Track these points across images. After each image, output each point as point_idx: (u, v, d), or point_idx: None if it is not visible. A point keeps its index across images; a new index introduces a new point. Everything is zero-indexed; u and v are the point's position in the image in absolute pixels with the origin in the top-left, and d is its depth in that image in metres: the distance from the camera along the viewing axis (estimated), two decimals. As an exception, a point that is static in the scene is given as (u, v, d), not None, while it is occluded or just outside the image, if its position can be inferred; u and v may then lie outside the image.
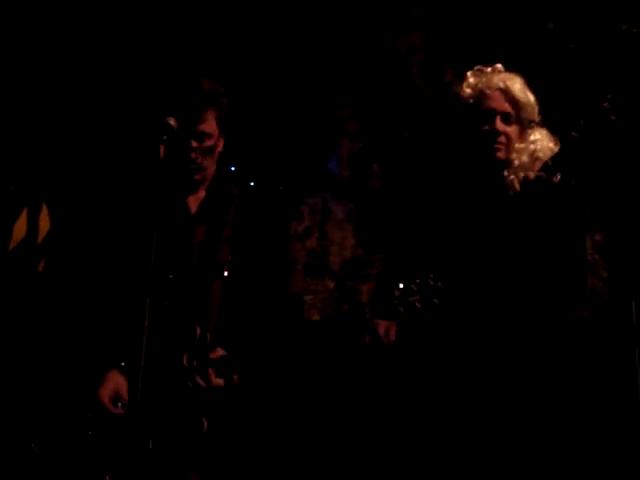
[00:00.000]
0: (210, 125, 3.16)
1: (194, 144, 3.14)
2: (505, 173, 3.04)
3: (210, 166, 3.21)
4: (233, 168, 3.43)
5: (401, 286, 2.85)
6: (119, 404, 3.00)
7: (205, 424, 2.96)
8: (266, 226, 3.24)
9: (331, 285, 4.57)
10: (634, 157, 4.03)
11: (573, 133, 2.73)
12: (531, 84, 3.20)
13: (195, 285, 3.12)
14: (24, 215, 4.00)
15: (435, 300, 2.83)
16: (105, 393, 3.02)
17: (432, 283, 2.84)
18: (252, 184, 3.52)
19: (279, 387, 3.92)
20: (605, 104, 2.69)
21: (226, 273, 3.11)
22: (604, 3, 4.26)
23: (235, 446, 3.19)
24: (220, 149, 3.24)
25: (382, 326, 3.07)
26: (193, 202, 3.26)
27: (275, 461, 3.99)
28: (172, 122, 2.96)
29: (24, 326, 3.94)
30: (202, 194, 3.26)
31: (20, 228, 3.97)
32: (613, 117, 2.68)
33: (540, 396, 2.92)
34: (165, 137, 2.93)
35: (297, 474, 4.05)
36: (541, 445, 2.90)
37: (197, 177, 3.18)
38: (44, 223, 4.06)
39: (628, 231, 4.03)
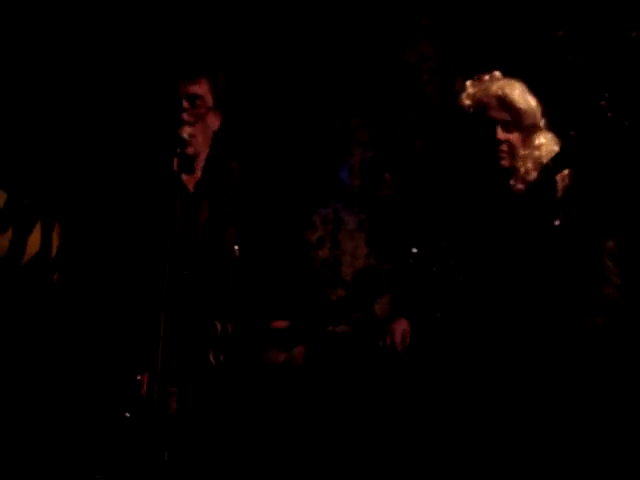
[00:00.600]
0: (202, 88, 3.16)
1: (185, 104, 3.12)
2: (511, 182, 3.04)
3: (202, 140, 3.17)
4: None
5: (415, 250, 2.86)
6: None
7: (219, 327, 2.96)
8: (271, 202, 3.23)
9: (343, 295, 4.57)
10: (635, 161, 4.04)
11: (571, 132, 2.72)
12: (540, 91, 3.19)
13: (208, 271, 3.09)
14: (38, 228, 4.01)
15: (451, 261, 2.85)
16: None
17: (445, 247, 2.86)
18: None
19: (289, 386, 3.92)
20: (602, 102, 2.68)
21: (229, 258, 3.06)
22: (614, 11, 4.26)
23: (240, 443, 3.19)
24: (214, 128, 3.21)
25: (398, 332, 3.07)
26: (190, 182, 3.21)
27: (278, 460, 3.99)
28: (185, 135, 2.98)
29: (38, 338, 3.95)
30: (198, 174, 3.22)
31: (34, 242, 3.97)
32: (610, 114, 2.67)
33: (552, 402, 2.91)
34: (179, 150, 2.95)
35: (299, 474, 4.06)
36: (552, 449, 2.90)
37: (189, 151, 3.09)
38: (58, 236, 4.07)
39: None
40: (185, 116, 3.11)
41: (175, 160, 2.95)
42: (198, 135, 3.14)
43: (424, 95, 4.64)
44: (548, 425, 2.88)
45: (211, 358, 2.97)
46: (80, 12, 4.39)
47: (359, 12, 4.64)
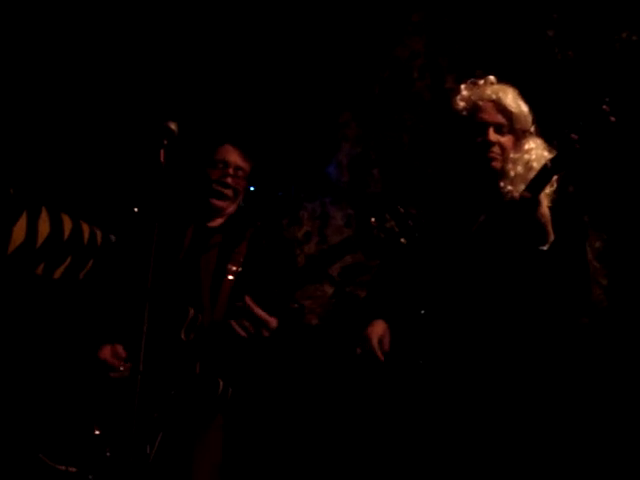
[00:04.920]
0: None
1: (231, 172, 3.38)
2: (501, 184, 3.04)
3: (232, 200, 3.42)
4: (252, 188, 3.54)
5: (373, 219, 2.88)
6: (121, 366, 3.12)
7: (221, 385, 3.10)
8: (279, 250, 3.43)
9: (330, 290, 4.57)
10: (633, 162, 4.05)
11: (572, 135, 2.72)
12: (529, 91, 3.20)
13: (202, 281, 3.26)
14: (23, 218, 4.00)
15: (409, 222, 2.87)
16: (105, 352, 3.14)
17: (403, 210, 2.87)
18: (252, 189, 3.57)
19: (277, 389, 3.92)
20: (604, 107, 2.69)
21: (232, 276, 3.26)
22: (604, 11, 4.27)
23: (235, 443, 3.23)
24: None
25: (375, 337, 3.06)
26: (210, 225, 3.42)
27: (272, 461, 3.99)
28: (173, 126, 2.98)
29: (23, 328, 3.94)
30: (218, 222, 3.43)
31: (19, 231, 3.96)
32: (612, 119, 2.68)
33: (539, 404, 2.91)
34: (166, 141, 2.96)
35: (293, 474, 4.06)
36: (539, 450, 2.89)
37: (219, 204, 3.38)
38: (43, 227, 4.06)
39: (628, 238, 4.04)
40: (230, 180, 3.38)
41: (161, 152, 2.94)
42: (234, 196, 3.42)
43: (414, 92, 4.63)
44: (534, 426, 2.87)
45: (182, 335, 3.13)
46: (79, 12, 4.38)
47: (350, 8, 4.64)
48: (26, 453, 3.14)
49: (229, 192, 3.38)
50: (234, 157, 3.41)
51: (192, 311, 3.17)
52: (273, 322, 3.09)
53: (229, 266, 3.28)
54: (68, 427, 3.08)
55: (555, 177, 2.89)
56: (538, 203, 2.77)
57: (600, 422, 3.71)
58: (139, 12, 4.48)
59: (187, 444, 3.11)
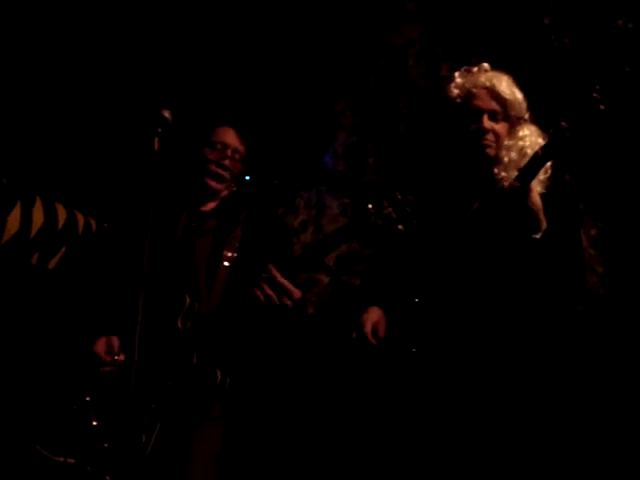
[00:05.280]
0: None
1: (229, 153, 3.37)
2: (495, 170, 3.04)
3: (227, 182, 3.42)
4: (248, 177, 3.55)
5: (370, 206, 2.88)
6: (115, 357, 3.12)
7: (219, 375, 3.08)
8: (274, 233, 3.40)
9: (326, 279, 4.56)
10: (626, 151, 4.05)
11: (562, 122, 2.72)
12: (525, 79, 3.20)
13: (197, 267, 3.26)
14: (17, 208, 3.99)
15: (407, 209, 2.86)
16: (99, 347, 3.13)
17: (400, 197, 2.87)
18: (247, 178, 3.56)
19: (275, 379, 3.92)
20: (594, 94, 2.68)
21: (227, 263, 3.25)
22: (600, -2, 4.26)
23: (234, 433, 3.23)
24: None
25: (368, 324, 3.06)
26: (203, 208, 3.41)
27: (271, 451, 4.00)
28: (167, 114, 2.97)
29: (18, 318, 3.94)
30: (212, 205, 3.42)
31: (13, 221, 3.95)
32: (602, 107, 2.67)
33: (533, 391, 2.91)
34: (160, 130, 2.95)
35: (292, 464, 4.06)
36: (537, 442, 2.89)
37: (216, 185, 3.38)
38: (37, 216, 4.05)
39: (623, 226, 4.04)
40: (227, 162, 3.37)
41: (155, 140, 2.94)
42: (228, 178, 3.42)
43: (409, 80, 4.62)
44: (529, 415, 2.87)
45: (179, 324, 3.12)
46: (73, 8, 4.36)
47: (345, -4, 4.63)
48: (24, 445, 3.14)
49: (226, 174, 3.38)
50: (232, 139, 3.40)
51: (188, 299, 3.16)
52: (297, 293, 3.03)
53: (224, 252, 3.27)
54: (65, 418, 3.08)
55: (549, 164, 2.89)
56: (528, 192, 2.77)
57: (596, 410, 3.71)
58: (133, 2, 4.46)
59: (185, 434, 3.10)
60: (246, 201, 3.50)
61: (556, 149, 2.75)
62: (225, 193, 3.43)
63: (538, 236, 2.82)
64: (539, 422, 2.89)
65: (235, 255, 3.27)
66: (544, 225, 2.83)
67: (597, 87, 2.69)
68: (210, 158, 3.36)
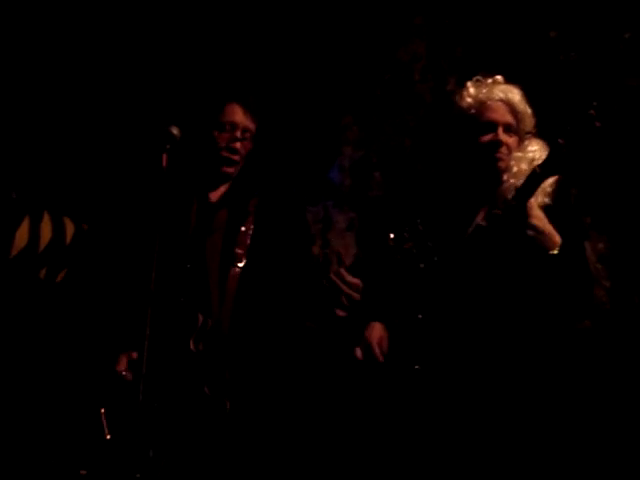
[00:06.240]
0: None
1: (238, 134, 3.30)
2: (504, 177, 3.04)
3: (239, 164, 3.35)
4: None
5: (392, 236, 2.86)
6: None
7: (228, 404, 3.07)
8: (288, 225, 3.37)
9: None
10: (632, 164, 4.04)
11: (559, 140, 2.73)
12: (532, 93, 3.20)
13: (209, 272, 3.21)
14: (26, 223, 4.00)
15: (429, 243, 2.85)
16: (121, 366, 3.09)
17: (422, 228, 2.85)
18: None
19: (280, 386, 3.92)
20: (591, 111, 2.69)
21: (240, 265, 3.19)
22: (607, 12, 4.26)
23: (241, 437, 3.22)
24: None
25: (374, 340, 3.05)
26: (213, 196, 3.35)
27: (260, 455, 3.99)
28: (175, 131, 2.98)
29: (26, 332, 3.94)
30: (222, 191, 3.36)
31: (22, 236, 3.97)
32: (598, 124, 2.67)
33: (540, 406, 2.91)
34: (168, 146, 2.96)
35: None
36: (538, 455, 2.89)
37: (228, 170, 3.31)
38: (46, 231, 4.06)
39: (630, 240, 4.04)
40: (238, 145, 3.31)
41: (164, 156, 2.94)
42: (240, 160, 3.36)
43: (415, 94, 4.62)
44: (535, 432, 2.87)
45: (191, 346, 3.07)
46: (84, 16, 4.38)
47: (352, 11, 4.63)
48: (37, 456, 3.15)
49: (237, 157, 3.32)
50: (241, 117, 3.32)
51: (201, 317, 3.12)
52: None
53: (236, 249, 3.21)
54: (79, 430, 3.07)
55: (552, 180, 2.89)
56: (528, 209, 2.77)
57: (602, 423, 3.70)
58: (138, 15, 4.48)
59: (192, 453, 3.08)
60: (257, 183, 3.45)
61: (554, 166, 2.76)
62: (236, 173, 3.37)
63: (555, 252, 2.82)
64: (545, 439, 2.89)
65: (245, 255, 3.22)
66: (558, 239, 2.83)
67: (594, 104, 2.70)
68: (220, 143, 3.29)
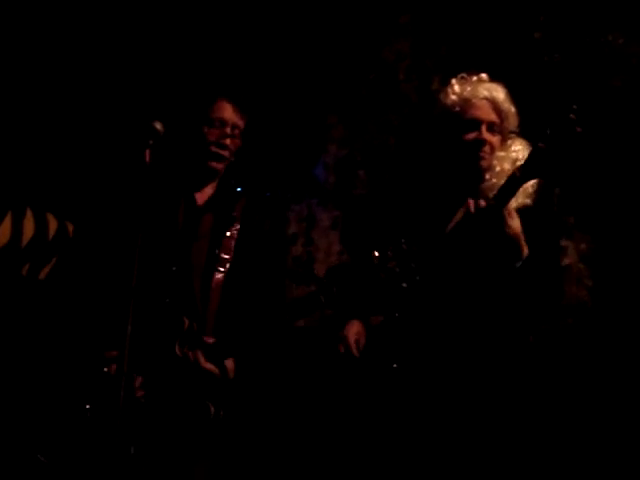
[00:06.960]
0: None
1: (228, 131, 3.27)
2: (487, 176, 3.03)
3: (227, 161, 3.33)
4: (239, 189, 3.50)
5: (377, 254, 2.86)
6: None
7: (212, 409, 3.02)
8: (270, 231, 3.36)
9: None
10: (615, 164, 4.06)
11: (539, 144, 2.73)
12: (515, 93, 3.20)
13: (194, 276, 3.18)
14: (8, 219, 3.99)
15: (412, 264, 2.85)
16: (106, 364, 3.04)
17: (406, 247, 2.85)
18: (239, 190, 3.54)
19: (269, 387, 3.92)
20: (571, 115, 2.68)
21: (225, 269, 3.18)
22: (591, 14, 4.28)
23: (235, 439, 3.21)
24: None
25: (352, 336, 3.06)
26: (200, 197, 3.32)
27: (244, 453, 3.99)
28: (158, 126, 2.96)
29: (8, 329, 3.93)
30: (209, 191, 3.33)
31: (4, 232, 3.95)
32: (579, 129, 2.67)
33: (516, 403, 2.91)
34: (151, 142, 2.94)
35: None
36: (513, 450, 2.90)
37: (216, 165, 3.29)
38: (28, 227, 4.05)
39: (612, 239, 4.06)
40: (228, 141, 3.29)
41: (147, 152, 2.93)
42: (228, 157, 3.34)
43: (400, 93, 4.63)
44: (511, 424, 2.87)
45: (177, 350, 3.04)
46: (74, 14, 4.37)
47: (337, 10, 4.63)
48: (24, 452, 3.13)
49: (226, 153, 3.29)
50: (230, 114, 3.30)
51: (187, 321, 3.09)
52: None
53: (220, 254, 3.21)
54: (65, 426, 3.05)
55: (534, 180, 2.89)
56: (505, 216, 2.78)
57: (586, 421, 3.72)
58: (126, 10, 4.47)
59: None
60: (242, 184, 3.45)
61: (533, 170, 2.76)
62: (222, 171, 3.36)
63: (518, 264, 2.82)
64: (526, 436, 2.89)
65: (230, 261, 3.21)
66: (525, 252, 2.83)
67: (574, 107, 2.70)
68: (210, 139, 3.27)
